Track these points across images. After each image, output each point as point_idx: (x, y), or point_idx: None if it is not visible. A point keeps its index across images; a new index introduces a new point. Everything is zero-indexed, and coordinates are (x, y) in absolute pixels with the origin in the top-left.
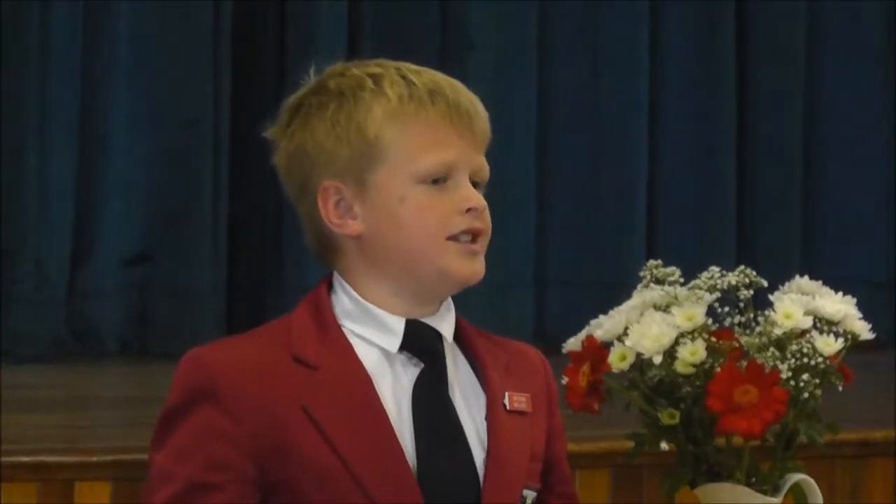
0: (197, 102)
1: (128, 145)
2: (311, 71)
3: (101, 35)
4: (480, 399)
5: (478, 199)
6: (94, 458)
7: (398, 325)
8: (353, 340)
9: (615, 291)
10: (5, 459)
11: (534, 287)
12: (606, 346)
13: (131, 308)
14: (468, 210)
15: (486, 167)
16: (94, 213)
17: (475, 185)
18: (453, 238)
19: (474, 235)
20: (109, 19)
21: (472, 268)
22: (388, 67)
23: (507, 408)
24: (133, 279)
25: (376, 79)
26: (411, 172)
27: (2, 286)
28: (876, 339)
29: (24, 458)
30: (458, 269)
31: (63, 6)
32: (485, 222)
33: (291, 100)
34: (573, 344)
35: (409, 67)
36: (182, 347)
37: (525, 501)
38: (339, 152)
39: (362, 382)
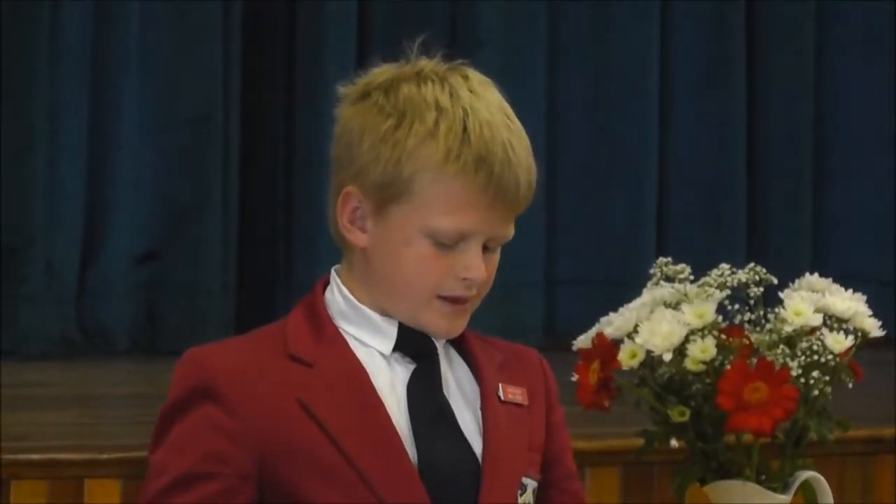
0: (206, 101)
1: (137, 144)
2: (417, 43)
3: (111, 34)
4: (477, 393)
5: (478, 271)
6: (104, 456)
7: (391, 327)
8: (348, 340)
9: (625, 289)
10: (15, 457)
11: (544, 285)
12: (617, 344)
13: (140, 307)
14: (465, 279)
15: (510, 233)
16: (103, 212)
17: (493, 239)
18: (442, 298)
19: (463, 300)
20: (119, 18)
21: (451, 327)
22: (458, 101)
23: (502, 399)
24: (142, 278)
25: (440, 114)
26: (426, 225)
27: (11, 284)
28: (885, 336)
29: (34, 456)
30: (435, 326)
31: (73, 5)
32: (479, 291)
33: (371, 75)
34: (583, 341)
35: (478, 114)
36: (191, 346)
37: (525, 490)
38: (373, 170)
39: (359, 378)
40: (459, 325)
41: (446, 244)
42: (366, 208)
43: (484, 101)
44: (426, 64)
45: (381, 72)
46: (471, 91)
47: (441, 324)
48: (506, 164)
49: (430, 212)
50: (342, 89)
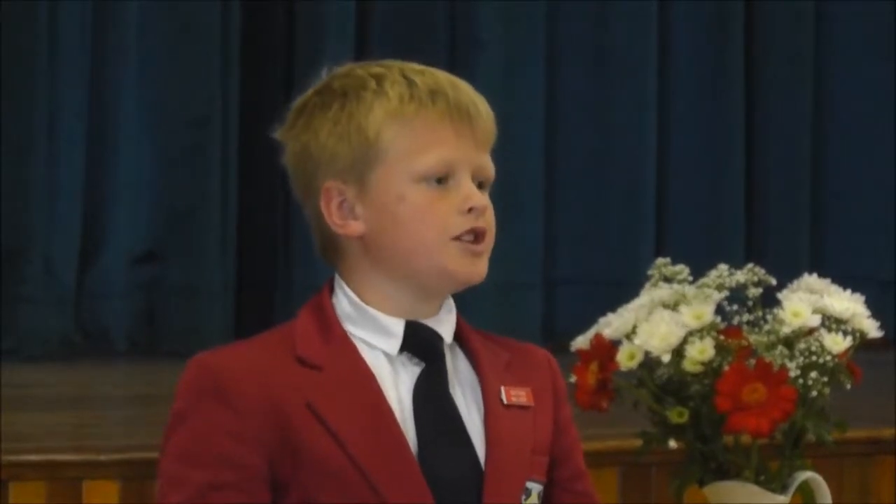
0: (205, 101)
1: (136, 145)
2: (323, 72)
3: (110, 34)
4: (480, 394)
5: (479, 198)
6: (103, 457)
7: (397, 327)
8: (355, 342)
9: (624, 290)
10: (14, 458)
11: (542, 285)
12: (615, 345)
13: (140, 307)
14: (469, 210)
15: (490, 166)
16: (102, 213)
17: (479, 185)
18: (457, 239)
19: (477, 236)
20: (118, 18)
21: (475, 268)
22: (391, 68)
23: (505, 402)
24: (142, 278)
25: (378, 79)
26: (410, 172)
27: (10, 285)
28: (884, 337)
29: (33, 457)
30: (459, 269)
31: (71, 6)
32: (487, 222)
33: (298, 101)
34: (582, 342)
35: (412, 68)
36: (190, 347)
37: (530, 494)
38: (340, 152)
39: (366, 381)
40: (482, 268)
41: (440, 180)
42: (350, 195)
43: (415, 63)
44: (348, 66)
45: (303, 94)
46: (400, 61)
47: (463, 265)
48: (458, 90)
49: (409, 158)
50: (276, 136)
